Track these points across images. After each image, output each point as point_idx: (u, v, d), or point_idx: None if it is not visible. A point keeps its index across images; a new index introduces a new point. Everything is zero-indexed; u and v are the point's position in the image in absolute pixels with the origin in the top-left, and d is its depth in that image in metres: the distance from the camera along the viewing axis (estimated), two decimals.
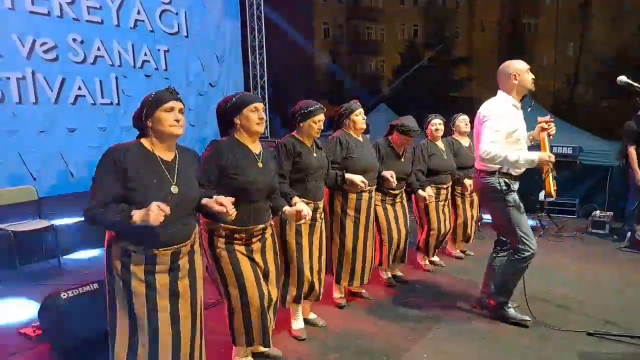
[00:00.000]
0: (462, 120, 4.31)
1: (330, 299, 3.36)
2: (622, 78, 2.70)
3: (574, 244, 5.01)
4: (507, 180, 2.91)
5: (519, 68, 2.91)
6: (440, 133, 4.09)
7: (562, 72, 24.48)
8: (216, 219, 2.17)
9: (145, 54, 6.81)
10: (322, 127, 2.80)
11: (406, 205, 3.72)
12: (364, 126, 3.23)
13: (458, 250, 4.62)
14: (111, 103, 6.33)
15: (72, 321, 2.63)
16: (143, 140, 1.94)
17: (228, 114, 2.33)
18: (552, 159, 2.83)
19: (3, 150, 5.09)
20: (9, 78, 5.18)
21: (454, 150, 4.24)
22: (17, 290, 3.73)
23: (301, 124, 2.77)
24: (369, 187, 3.15)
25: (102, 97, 6.21)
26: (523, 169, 2.95)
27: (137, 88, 6.60)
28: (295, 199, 2.63)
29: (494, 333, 2.97)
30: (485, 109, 2.93)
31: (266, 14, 9.24)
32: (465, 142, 4.34)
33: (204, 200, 2.02)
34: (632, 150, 4.77)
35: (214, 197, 2.02)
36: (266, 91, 9.71)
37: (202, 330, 2.12)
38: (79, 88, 5.92)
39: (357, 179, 3.00)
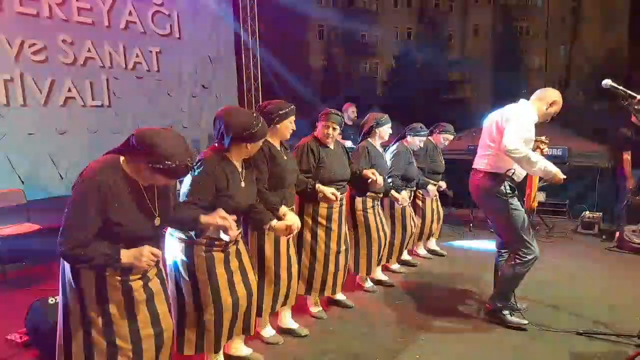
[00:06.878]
0: (445, 139, 4.44)
1: (308, 311, 3.25)
2: (607, 81, 2.65)
3: (564, 244, 5.05)
4: (511, 185, 2.91)
5: (557, 101, 2.92)
6: None
7: (553, 74, 24.71)
8: (198, 235, 2.07)
9: (137, 55, 6.75)
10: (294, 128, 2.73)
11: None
12: (332, 140, 3.06)
13: (425, 250, 4.66)
14: (102, 105, 6.27)
15: None
16: (123, 162, 1.70)
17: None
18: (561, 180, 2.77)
19: None
20: None
21: (431, 156, 4.34)
22: (4, 295, 3.69)
23: (277, 125, 2.63)
24: (340, 198, 3.03)
25: (93, 99, 6.16)
26: (523, 177, 2.96)
27: (129, 90, 6.56)
28: (283, 209, 2.50)
29: (485, 333, 2.98)
30: (516, 110, 2.88)
31: (260, 15, 9.22)
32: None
33: (204, 219, 1.95)
34: (627, 157, 4.78)
35: (218, 212, 1.97)
36: (260, 93, 9.70)
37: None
38: (69, 90, 5.86)
39: (328, 191, 2.85)
